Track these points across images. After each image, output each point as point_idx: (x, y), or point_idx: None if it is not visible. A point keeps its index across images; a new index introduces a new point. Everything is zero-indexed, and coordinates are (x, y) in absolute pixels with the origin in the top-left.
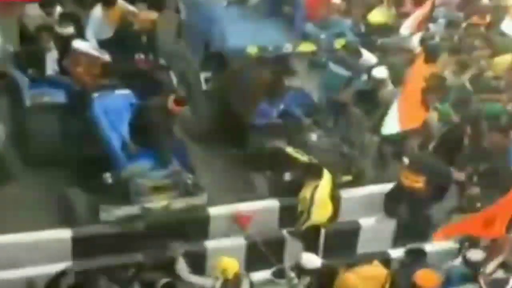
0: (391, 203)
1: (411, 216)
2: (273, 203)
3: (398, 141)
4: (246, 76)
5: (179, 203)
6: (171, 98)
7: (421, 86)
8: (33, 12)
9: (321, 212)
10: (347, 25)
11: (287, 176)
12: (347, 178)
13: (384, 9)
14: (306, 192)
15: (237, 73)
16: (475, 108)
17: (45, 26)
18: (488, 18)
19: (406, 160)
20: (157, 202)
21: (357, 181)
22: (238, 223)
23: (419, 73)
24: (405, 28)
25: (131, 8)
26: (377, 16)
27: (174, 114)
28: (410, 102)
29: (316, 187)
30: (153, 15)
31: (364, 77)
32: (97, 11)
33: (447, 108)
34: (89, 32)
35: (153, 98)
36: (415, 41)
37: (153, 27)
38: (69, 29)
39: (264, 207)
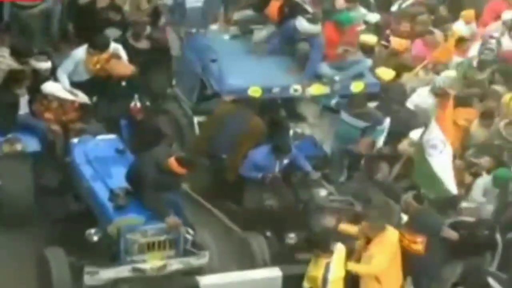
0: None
1: None
2: (274, 273)
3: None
4: (231, 121)
5: (177, 264)
6: (172, 158)
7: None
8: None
9: None
10: (368, 64)
11: (291, 238)
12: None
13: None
14: (316, 271)
15: (221, 117)
16: None
17: (17, 72)
18: None
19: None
20: (151, 263)
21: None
22: None
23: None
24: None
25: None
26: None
27: (177, 176)
28: None
29: (327, 265)
30: (129, 69)
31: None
32: (81, 52)
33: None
34: (63, 71)
35: (148, 154)
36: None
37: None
38: (46, 64)
39: (264, 278)
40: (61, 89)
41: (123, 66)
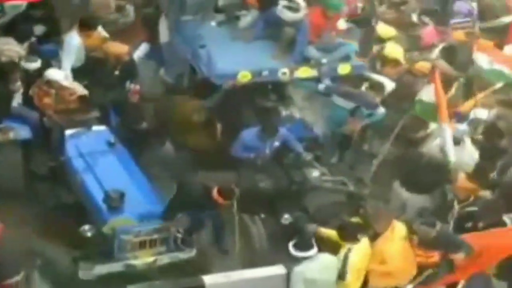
0: None
1: None
2: (279, 270)
3: None
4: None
5: (166, 259)
6: (215, 188)
7: None
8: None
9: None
10: (354, 48)
11: (286, 219)
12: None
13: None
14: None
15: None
16: None
17: (11, 64)
18: None
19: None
20: (143, 259)
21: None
22: None
23: None
24: None
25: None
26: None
27: (218, 205)
28: None
29: (349, 250)
30: (124, 48)
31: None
32: (75, 38)
33: None
34: (68, 61)
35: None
36: None
37: (126, 58)
38: (35, 64)
39: (268, 275)
40: (65, 77)
41: (118, 45)
